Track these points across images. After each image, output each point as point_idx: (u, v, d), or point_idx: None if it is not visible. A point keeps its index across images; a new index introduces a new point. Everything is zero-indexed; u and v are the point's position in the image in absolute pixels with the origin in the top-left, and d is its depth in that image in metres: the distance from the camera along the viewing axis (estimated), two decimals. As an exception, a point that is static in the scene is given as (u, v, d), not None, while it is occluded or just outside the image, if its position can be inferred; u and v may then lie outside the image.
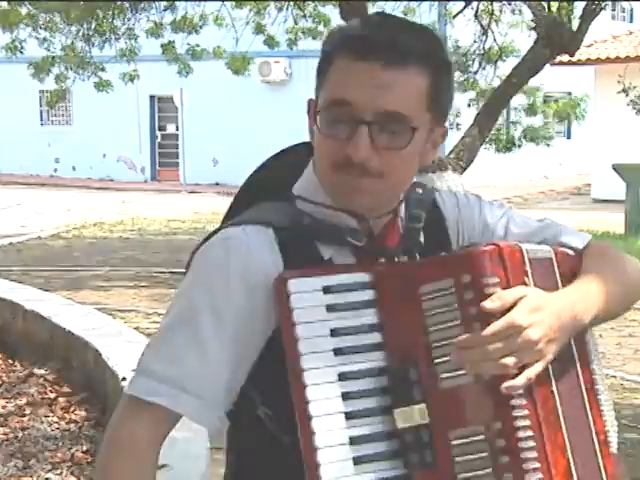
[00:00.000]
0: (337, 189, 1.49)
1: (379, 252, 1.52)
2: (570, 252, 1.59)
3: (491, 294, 1.36)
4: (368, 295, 1.45)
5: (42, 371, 5.80)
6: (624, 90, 12.01)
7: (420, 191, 1.61)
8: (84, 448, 4.51)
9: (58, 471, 4.25)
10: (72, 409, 5.15)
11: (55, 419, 5.00)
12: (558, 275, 1.52)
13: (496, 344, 1.34)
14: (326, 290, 1.43)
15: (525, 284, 1.41)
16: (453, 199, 1.65)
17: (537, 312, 1.37)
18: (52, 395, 5.39)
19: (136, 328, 6.89)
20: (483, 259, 1.38)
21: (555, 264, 1.53)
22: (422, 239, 1.57)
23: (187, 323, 1.45)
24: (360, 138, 1.43)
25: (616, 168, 14.28)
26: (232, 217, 1.55)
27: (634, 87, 12.17)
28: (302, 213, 1.51)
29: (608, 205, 17.58)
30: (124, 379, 4.66)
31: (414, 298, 1.41)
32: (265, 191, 1.56)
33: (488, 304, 1.35)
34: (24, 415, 5.08)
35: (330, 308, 1.42)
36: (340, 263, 1.50)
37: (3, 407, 5.22)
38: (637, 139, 18.75)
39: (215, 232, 1.52)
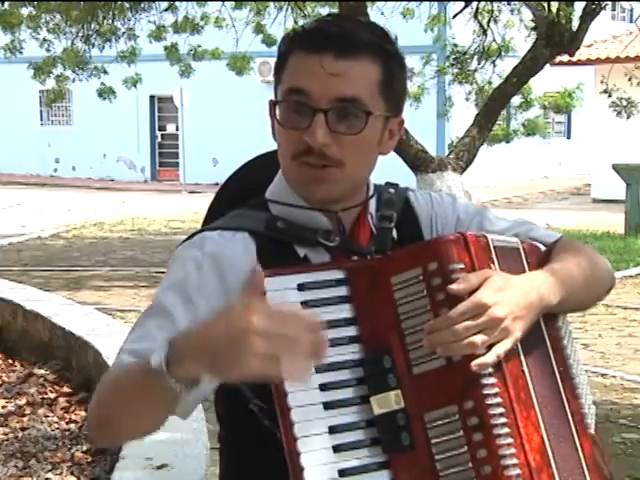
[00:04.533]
0: (298, 180, 1.53)
1: (352, 251, 1.56)
2: (540, 246, 1.63)
3: (457, 279, 1.40)
4: (342, 291, 1.48)
5: (42, 371, 5.80)
6: (606, 91, 12.02)
7: (392, 191, 1.65)
8: (84, 448, 4.51)
9: (58, 471, 4.25)
10: (72, 409, 5.15)
11: (55, 419, 5.00)
12: (526, 264, 1.56)
13: (463, 324, 1.37)
14: (301, 287, 1.46)
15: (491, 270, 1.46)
16: (427, 197, 1.69)
17: (502, 291, 1.41)
18: (52, 395, 5.39)
19: (136, 328, 6.89)
20: (449, 247, 1.43)
21: (522, 254, 1.57)
22: (395, 236, 1.61)
23: (159, 307, 1.49)
24: (317, 125, 1.47)
25: (616, 168, 14.29)
26: (212, 216, 1.62)
27: (617, 89, 12.17)
28: (275, 217, 1.55)
29: (608, 205, 17.59)
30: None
31: (386, 290, 1.45)
32: (245, 192, 1.62)
33: (454, 286, 1.39)
34: (24, 415, 5.08)
35: (305, 304, 1.46)
36: (315, 261, 1.55)
37: (3, 407, 5.22)
38: (637, 139, 18.75)
39: (194, 235, 1.57)
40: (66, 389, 5.49)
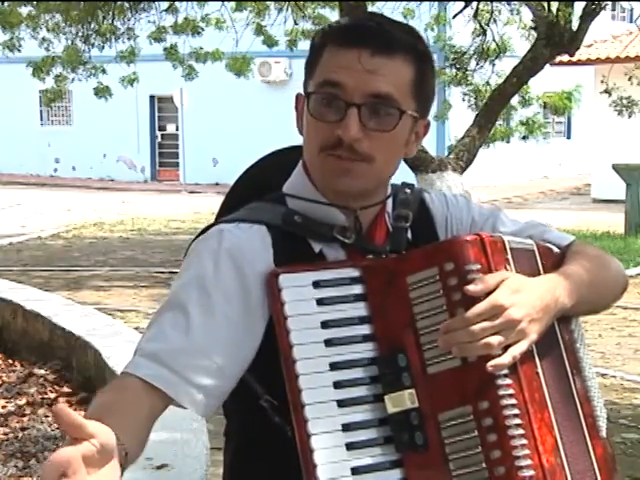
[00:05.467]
0: (323, 171, 1.52)
1: (367, 249, 1.56)
2: (554, 248, 1.64)
3: (474, 280, 1.40)
4: (357, 289, 1.49)
5: (42, 371, 5.80)
6: (607, 91, 12.04)
7: (408, 191, 1.65)
8: (84, 448, 4.51)
9: (58, 471, 4.24)
10: (72, 409, 5.15)
11: (55, 419, 5.00)
12: (541, 266, 1.56)
13: (480, 324, 1.37)
14: (316, 285, 1.47)
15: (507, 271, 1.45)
16: (442, 198, 1.69)
17: (519, 293, 1.41)
18: (52, 395, 5.39)
19: (136, 328, 6.89)
20: (465, 247, 1.43)
21: (537, 256, 1.57)
22: (410, 236, 1.60)
23: (175, 302, 1.48)
24: (350, 119, 1.47)
25: (616, 168, 14.28)
26: (224, 215, 1.60)
27: (618, 87, 12.20)
28: (293, 211, 1.55)
29: (608, 205, 17.59)
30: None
31: (401, 289, 1.45)
32: (256, 190, 1.60)
33: (471, 287, 1.39)
34: (24, 415, 5.08)
35: (320, 302, 1.46)
36: (330, 257, 1.54)
37: (3, 407, 5.22)
38: (637, 139, 18.75)
39: (209, 227, 1.56)
40: (66, 389, 5.49)
